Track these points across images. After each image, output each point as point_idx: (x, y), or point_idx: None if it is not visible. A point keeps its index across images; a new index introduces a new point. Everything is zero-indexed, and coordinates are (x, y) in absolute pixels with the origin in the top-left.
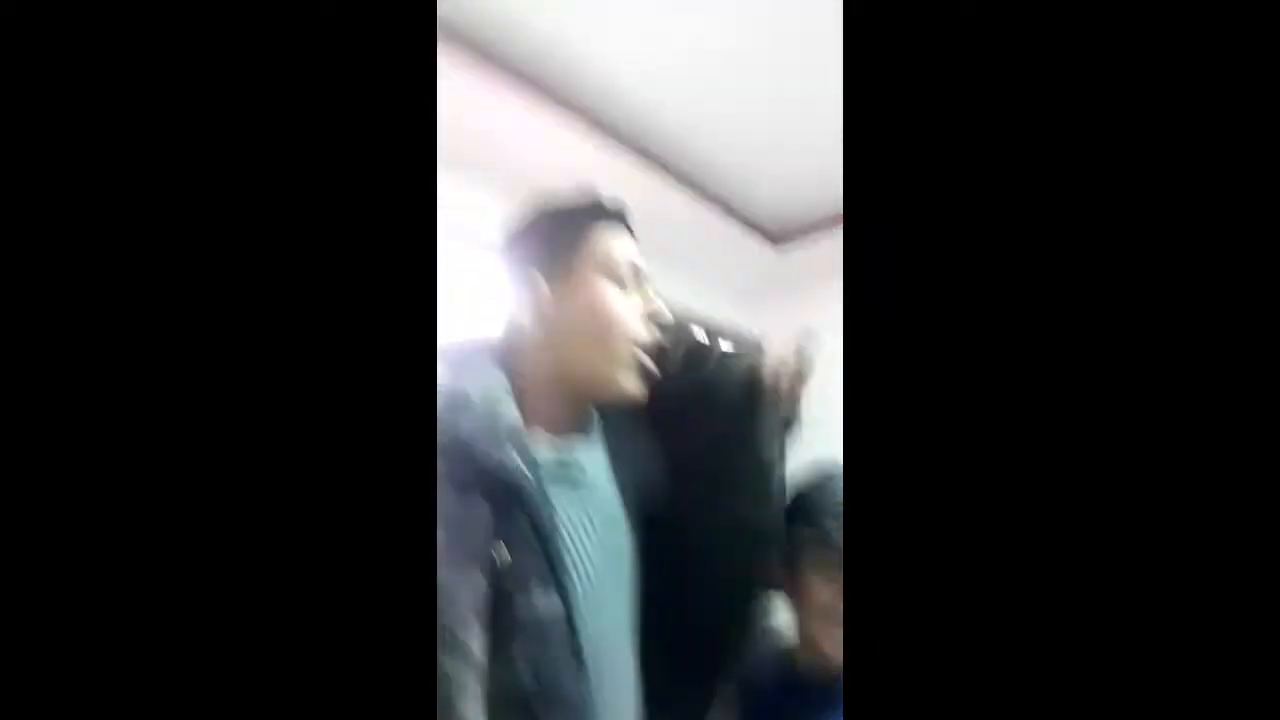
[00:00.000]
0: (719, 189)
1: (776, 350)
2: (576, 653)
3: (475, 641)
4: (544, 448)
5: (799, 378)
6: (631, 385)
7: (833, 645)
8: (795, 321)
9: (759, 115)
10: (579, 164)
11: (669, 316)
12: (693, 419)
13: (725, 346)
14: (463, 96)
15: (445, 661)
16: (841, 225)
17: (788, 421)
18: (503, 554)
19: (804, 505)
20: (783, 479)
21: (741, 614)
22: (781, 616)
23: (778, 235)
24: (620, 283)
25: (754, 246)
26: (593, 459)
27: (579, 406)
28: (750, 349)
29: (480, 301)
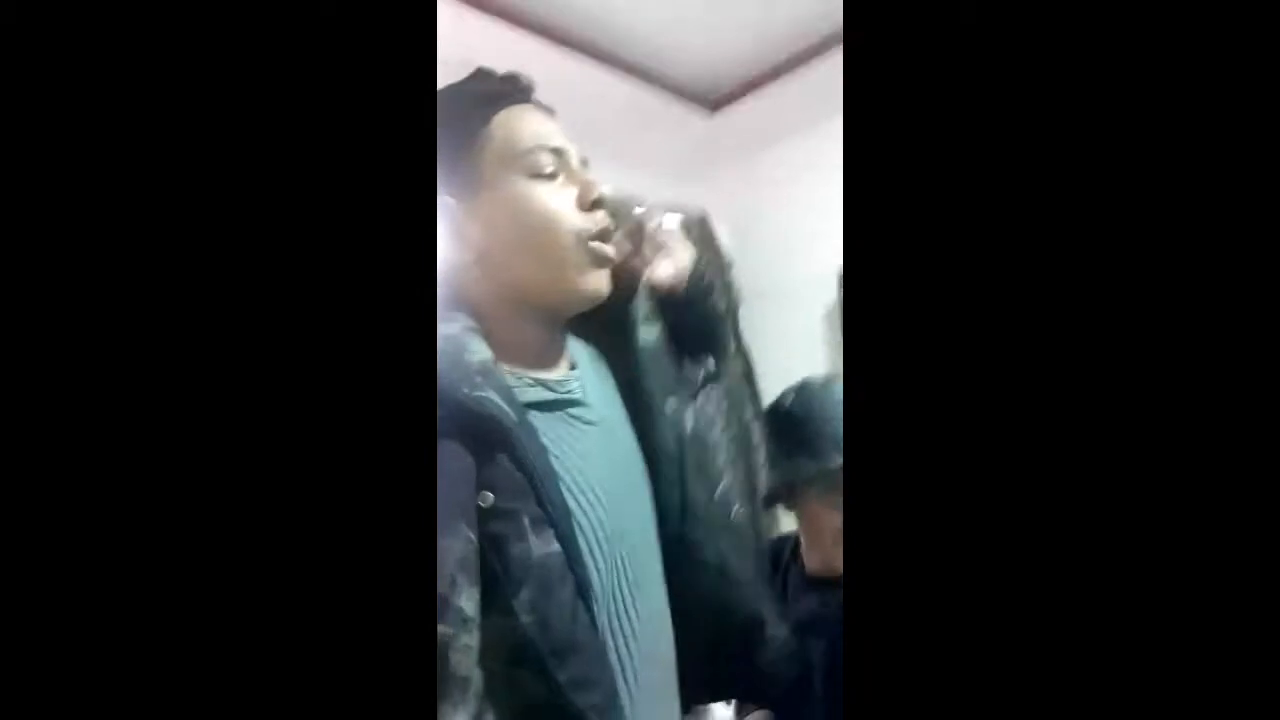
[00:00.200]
0: (640, 58)
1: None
2: (584, 595)
3: (467, 601)
4: (525, 382)
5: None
6: (593, 284)
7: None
8: (739, 191)
9: None
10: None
11: (608, 192)
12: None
13: (670, 220)
14: None
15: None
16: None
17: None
18: (488, 500)
19: (802, 435)
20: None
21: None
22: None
23: (712, 101)
24: (542, 173)
25: (686, 116)
26: (587, 386)
27: (551, 328)
28: (695, 223)
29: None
